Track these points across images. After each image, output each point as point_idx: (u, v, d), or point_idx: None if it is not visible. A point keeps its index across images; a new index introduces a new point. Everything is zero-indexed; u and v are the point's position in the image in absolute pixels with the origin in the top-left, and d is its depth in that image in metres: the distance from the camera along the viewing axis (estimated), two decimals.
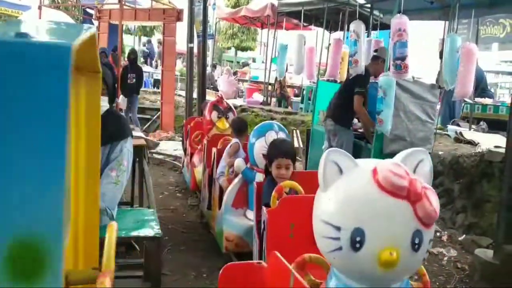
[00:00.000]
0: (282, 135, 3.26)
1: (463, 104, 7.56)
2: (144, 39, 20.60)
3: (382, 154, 4.29)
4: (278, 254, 1.35)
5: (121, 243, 3.27)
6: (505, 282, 2.98)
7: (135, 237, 2.56)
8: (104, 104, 2.43)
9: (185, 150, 5.78)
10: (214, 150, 3.90)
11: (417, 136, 4.41)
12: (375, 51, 5.12)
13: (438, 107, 6.11)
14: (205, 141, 4.44)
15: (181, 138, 8.86)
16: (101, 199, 2.36)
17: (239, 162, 3.38)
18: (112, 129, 2.44)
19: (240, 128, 3.91)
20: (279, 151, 2.67)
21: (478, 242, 3.87)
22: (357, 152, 4.66)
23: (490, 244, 3.77)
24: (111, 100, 2.53)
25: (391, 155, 4.33)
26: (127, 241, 3.26)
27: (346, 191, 1.05)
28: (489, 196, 4.27)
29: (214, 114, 4.73)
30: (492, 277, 3.09)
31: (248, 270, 1.38)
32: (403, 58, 4.05)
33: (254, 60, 18.36)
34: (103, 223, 2.42)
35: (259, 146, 3.17)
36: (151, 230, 2.49)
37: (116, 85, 8.76)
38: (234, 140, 3.76)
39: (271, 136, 3.15)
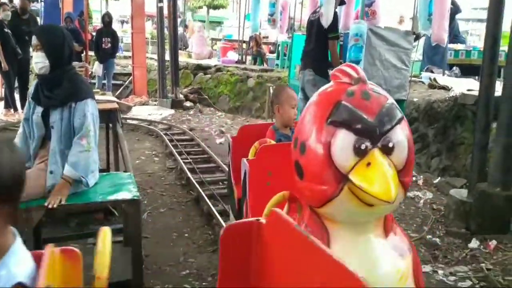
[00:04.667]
0: None
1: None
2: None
3: None
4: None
5: (98, 209, 3.25)
6: (479, 218, 3.09)
7: (113, 201, 2.52)
8: (40, 60, 2.31)
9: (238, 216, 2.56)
10: None
11: (393, 83, 4.42)
12: None
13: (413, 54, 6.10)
14: None
15: (155, 103, 8.72)
16: (74, 168, 2.32)
17: None
18: (69, 89, 2.34)
19: None
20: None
21: (452, 183, 3.99)
22: None
23: (464, 184, 3.89)
24: (58, 59, 2.37)
25: None
26: (105, 207, 3.23)
27: None
28: (463, 138, 4.36)
29: (347, 145, 0.94)
30: (466, 215, 3.19)
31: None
32: (369, 4, 3.99)
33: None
34: (79, 191, 2.40)
35: None
36: (129, 193, 2.46)
37: (83, 48, 8.43)
38: None
39: None
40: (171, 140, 5.68)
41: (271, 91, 6.20)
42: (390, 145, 0.94)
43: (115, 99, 3.93)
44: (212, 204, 3.51)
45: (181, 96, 8.44)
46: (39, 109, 2.41)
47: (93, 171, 2.45)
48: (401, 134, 0.97)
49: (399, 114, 0.99)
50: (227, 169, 4.48)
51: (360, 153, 0.92)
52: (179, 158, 4.85)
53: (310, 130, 1.00)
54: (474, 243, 2.92)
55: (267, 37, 12.26)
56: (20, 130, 2.53)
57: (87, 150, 2.36)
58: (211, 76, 9.20)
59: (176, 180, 4.38)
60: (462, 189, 3.60)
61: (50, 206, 2.21)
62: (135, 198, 2.42)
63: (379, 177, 0.90)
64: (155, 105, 8.45)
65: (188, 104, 8.37)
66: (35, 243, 2.65)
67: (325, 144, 0.95)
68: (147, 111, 7.79)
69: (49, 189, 2.30)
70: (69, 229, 3.16)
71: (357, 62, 4.08)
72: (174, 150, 5.18)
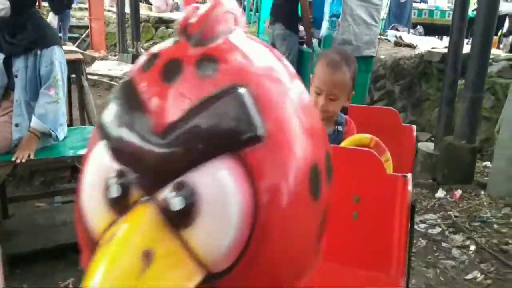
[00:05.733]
0: None
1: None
2: None
3: None
4: None
5: (65, 166, 3.11)
6: (445, 169, 3.23)
7: None
8: None
9: None
10: None
11: (363, 39, 4.40)
12: None
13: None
14: None
15: (115, 58, 8.31)
16: (42, 120, 2.18)
17: None
18: (33, 34, 2.16)
19: None
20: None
21: (418, 138, 4.12)
22: (301, 58, 4.63)
23: (429, 138, 4.04)
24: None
25: None
26: (72, 164, 3.09)
27: None
28: (428, 94, 4.49)
29: (97, 180, 0.43)
30: (433, 166, 3.33)
31: None
32: None
33: None
34: (47, 145, 2.27)
35: None
36: None
37: None
38: None
39: None
40: None
41: None
42: (178, 205, 0.36)
43: (78, 49, 3.69)
44: None
45: (143, 51, 8.09)
46: (0, 56, 2.22)
47: (62, 124, 2.32)
48: (227, 182, 0.37)
49: (253, 125, 0.39)
50: None
51: (112, 204, 0.40)
52: None
53: None
54: (440, 193, 3.07)
55: None
56: None
57: (55, 101, 2.23)
58: (174, 30, 8.84)
59: None
60: (428, 143, 3.73)
61: (18, 161, 2.09)
62: None
63: (92, 273, 0.36)
64: (115, 60, 8.07)
65: None
66: (1, 202, 2.52)
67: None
68: (107, 66, 7.43)
69: (15, 143, 2.16)
70: (34, 187, 3.02)
71: (338, 16, 4.05)
72: None
